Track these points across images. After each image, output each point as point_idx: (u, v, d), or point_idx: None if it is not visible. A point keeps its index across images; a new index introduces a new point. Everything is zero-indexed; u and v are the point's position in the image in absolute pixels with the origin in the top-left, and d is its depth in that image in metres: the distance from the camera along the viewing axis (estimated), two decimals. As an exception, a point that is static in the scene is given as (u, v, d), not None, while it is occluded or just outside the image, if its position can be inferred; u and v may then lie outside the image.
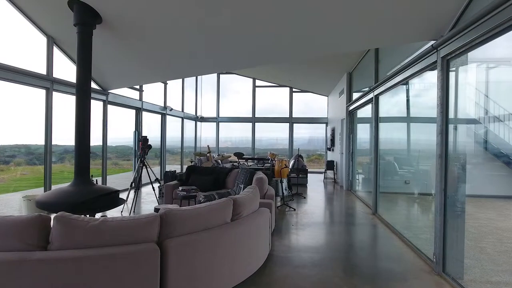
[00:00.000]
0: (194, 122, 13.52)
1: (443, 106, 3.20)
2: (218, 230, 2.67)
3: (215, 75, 14.10)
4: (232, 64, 6.14)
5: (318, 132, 14.32)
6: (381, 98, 5.72)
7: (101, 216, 4.64)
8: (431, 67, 3.48)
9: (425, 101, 4.38)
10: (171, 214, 2.43)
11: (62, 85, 6.00)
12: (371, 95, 6.06)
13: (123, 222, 2.24)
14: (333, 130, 11.56)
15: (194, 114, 13.57)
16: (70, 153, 7.17)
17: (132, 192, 5.90)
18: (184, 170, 6.54)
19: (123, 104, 8.36)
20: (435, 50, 3.30)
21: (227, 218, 2.84)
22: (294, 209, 6.27)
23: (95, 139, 7.68)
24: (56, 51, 5.96)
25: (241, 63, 6.09)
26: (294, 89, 13.59)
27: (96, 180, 5.70)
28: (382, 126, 5.76)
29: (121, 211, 5.83)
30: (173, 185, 5.96)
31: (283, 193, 6.68)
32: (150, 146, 6.15)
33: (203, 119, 14.08)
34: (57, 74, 5.96)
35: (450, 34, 3.03)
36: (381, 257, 3.85)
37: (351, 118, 8.70)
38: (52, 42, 5.81)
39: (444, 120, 3.18)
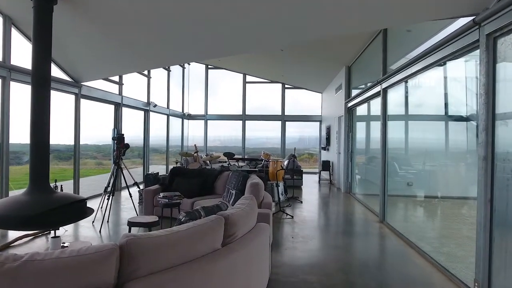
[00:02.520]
0: (180, 119, 12.68)
1: (488, 96, 2.56)
2: (205, 261, 1.95)
3: (203, 70, 13.27)
4: (219, 50, 5.36)
5: (308, 130, 13.71)
6: (390, 91, 5.09)
7: (54, 236, 3.77)
8: (470, 47, 2.84)
9: (449, 93, 3.77)
10: (136, 244, 1.68)
11: (23, 74, 5.12)
12: (378, 89, 5.43)
13: (61, 261, 1.48)
14: (328, 129, 10.94)
15: (181, 111, 12.73)
16: (52, 153, 6.44)
17: (106, 198, 5.10)
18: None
19: (99, 98, 7.48)
20: (477, 26, 2.66)
21: (217, 243, 2.12)
22: (292, 217, 5.58)
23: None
24: (15, 33, 5.09)
25: (231, 47, 5.30)
26: (286, 86, 12.91)
27: (61, 186, 4.88)
28: (391, 122, 5.14)
29: (93, 221, 5.00)
30: (154, 190, 5.20)
31: (279, 198, 6.00)
32: (127, 146, 5.33)
33: (190, 117, 13.24)
34: (16, 61, 5.09)
35: (500, 4, 2.39)
36: (404, 280, 3.18)
37: (351, 115, 8.08)
38: (9, 22, 4.94)
39: (490, 113, 2.55)
